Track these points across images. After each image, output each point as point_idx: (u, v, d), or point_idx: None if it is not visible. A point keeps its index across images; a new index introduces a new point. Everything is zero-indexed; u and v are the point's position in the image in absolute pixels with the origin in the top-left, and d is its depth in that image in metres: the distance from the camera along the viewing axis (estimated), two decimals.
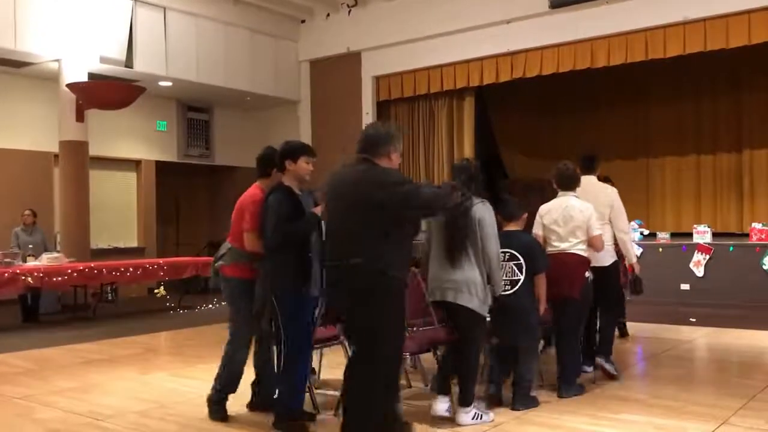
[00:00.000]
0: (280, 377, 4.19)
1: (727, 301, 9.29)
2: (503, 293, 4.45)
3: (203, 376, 5.85)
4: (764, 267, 9.33)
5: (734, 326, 7.78)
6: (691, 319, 8.23)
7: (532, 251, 4.69)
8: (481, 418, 4.27)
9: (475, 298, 4.16)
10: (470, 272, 4.16)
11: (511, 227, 4.76)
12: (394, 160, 3.74)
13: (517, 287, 4.59)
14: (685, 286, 9.77)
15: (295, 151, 4.25)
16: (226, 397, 4.55)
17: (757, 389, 5.02)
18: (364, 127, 3.92)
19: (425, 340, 4.81)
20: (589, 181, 5.49)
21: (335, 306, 4.11)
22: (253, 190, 4.43)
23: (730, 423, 4.24)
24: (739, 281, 9.41)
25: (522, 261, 4.61)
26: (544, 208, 5.13)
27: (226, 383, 4.52)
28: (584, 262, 4.97)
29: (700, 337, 7.38)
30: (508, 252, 4.59)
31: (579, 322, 5.03)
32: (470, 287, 4.15)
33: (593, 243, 4.97)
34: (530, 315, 4.63)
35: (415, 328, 5.08)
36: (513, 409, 4.55)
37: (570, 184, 5.11)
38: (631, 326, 7.02)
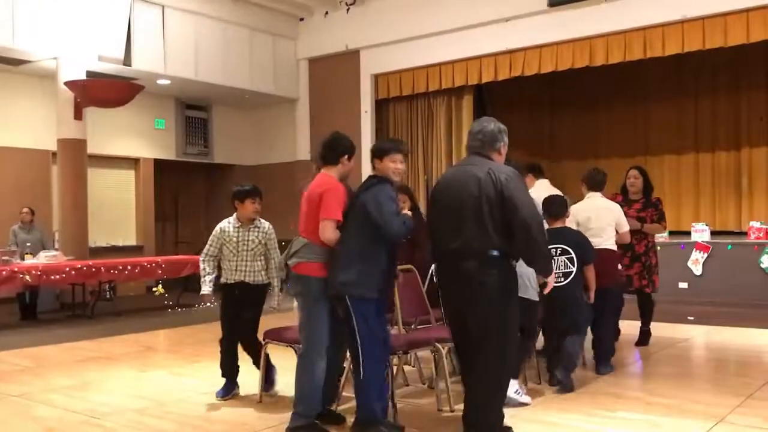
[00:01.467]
0: (365, 382, 3.92)
1: (725, 299, 9.29)
2: (557, 284, 4.65)
3: (201, 375, 5.87)
4: (762, 265, 9.34)
5: (732, 324, 7.79)
6: (689, 318, 8.24)
7: (582, 245, 5.25)
8: (521, 396, 4.59)
9: (530, 288, 4.50)
10: (524, 265, 4.27)
11: (558, 224, 5.29)
12: (503, 154, 4.00)
13: (569, 279, 5.12)
14: (683, 285, 9.78)
15: (385, 150, 4.06)
16: (315, 418, 4.13)
17: (755, 387, 5.02)
18: (474, 125, 4.07)
19: (419, 339, 4.74)
20: (545, 186, 6.23)
21: (454, 297, 3.90)
22: (328, 179, 4.07)
23: (727, 421, 4.24)
24: (737, 279, 9.42)
25: (573, 254, 5.14)
26: (575, 208, 5.73)
27: (311, 404, 4.06)
28: (617, 255, 5.78)
29: (697, 335, 7.39)
30: (559, 247, 5.13)
31: (615, 308, 5.74)
32: (523, 278, 4.34)
33: (623, 237, 5.81)
34: (580, 302, 5.19)
35: (412, 326, 5.11)
36: (555, 383, 5.02)
37: (600, 186, 5.92)
38: (628, 324, 6.98)
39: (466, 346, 3.92)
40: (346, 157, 4.14)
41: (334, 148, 4.14)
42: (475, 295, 3.73)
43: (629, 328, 6.76)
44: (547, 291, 4.03)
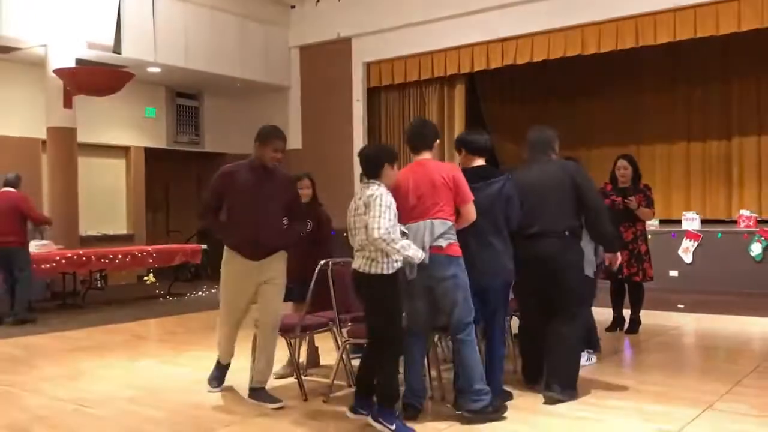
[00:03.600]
0: (500, 361, 4.39)
1: (714, 287, 9.36)
2: None
3: (192, 363, 5.86)
4: (751, 254, 9.40)
5: (721, 312, 7.85)
6: (679, 306, 8.29)
7: None
8: (589, 360, 5.30)
9: (588, 265, 4.95)
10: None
11: None
12: (558, 152, 4.86)
13: None
14: (673, 273, 9.83)
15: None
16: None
17: (743, 374, 5.07)
18: (532, 133, 4.93)
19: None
20: None
21: (536, 273, 4.52)
22: (446, 163, 4.39)
23: (715, 408, 4.28)
24: (726, 268, 9.48)
25: None
26: None
27: (483, 378, 4.12)
28: None
29: (687, 323, 7.44)
30: None
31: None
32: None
33: None
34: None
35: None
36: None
37: None
38: (609, 311, 6.98)
39: (539, 316, 4.62)
40: (437, 141, 4.30)
41: (429, 133, 4.27)
42: (558, 268, 4.48)
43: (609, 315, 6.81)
44: (615, 267, 4.95)
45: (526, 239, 4.52)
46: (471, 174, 4.29)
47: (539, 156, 4.77)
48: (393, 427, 3.78)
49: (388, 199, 3.87)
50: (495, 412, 4.08)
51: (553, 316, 4.54)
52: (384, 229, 3.75)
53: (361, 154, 4.12)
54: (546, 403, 4.38)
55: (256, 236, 4.43)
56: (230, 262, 4.53)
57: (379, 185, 3.95)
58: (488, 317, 4.37)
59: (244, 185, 4.50)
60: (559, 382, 4.42)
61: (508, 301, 4.51)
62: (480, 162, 4.46)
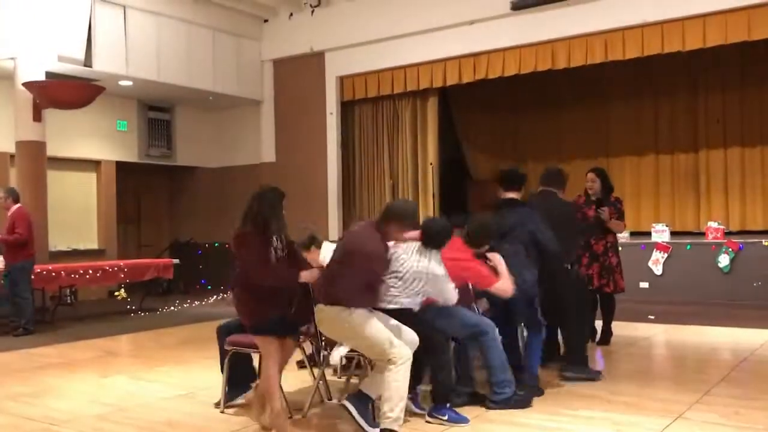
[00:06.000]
0: (537, 357, 5.15)
1: (684, 298, 9.50)
2: None
3: (164, 379, 5.79)
4: (719, 265, 9.56)
5: (691, 323, 7.96)
6: (649, 317, 8.39)
7: None
8: None
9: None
10: None
11: None
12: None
13: None
14: (644, 284, 9.96)
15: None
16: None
17: (712, 384, 5.14)
18: (547, 169, 5.85)
19: None
20: None
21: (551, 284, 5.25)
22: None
23: (685, 417, 4.34)
24: (695, 279, 9.63)
25: None
26: None
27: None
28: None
29: (658, 334, 7.53)
30: None
31: None
32: None
33: None
34: None
35: None
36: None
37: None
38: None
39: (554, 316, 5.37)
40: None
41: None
42: (562, 280, 5.35)
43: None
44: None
45: (548, 258, 5.25)
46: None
47: (547, 190, 5.62)
48: (445, 417, 4.32)
49: None
50: (520, 401, 4.63)
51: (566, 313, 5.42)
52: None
53: (435, 229, 4.43)
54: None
55: None
56: None
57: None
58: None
59: None
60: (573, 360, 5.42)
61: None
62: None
